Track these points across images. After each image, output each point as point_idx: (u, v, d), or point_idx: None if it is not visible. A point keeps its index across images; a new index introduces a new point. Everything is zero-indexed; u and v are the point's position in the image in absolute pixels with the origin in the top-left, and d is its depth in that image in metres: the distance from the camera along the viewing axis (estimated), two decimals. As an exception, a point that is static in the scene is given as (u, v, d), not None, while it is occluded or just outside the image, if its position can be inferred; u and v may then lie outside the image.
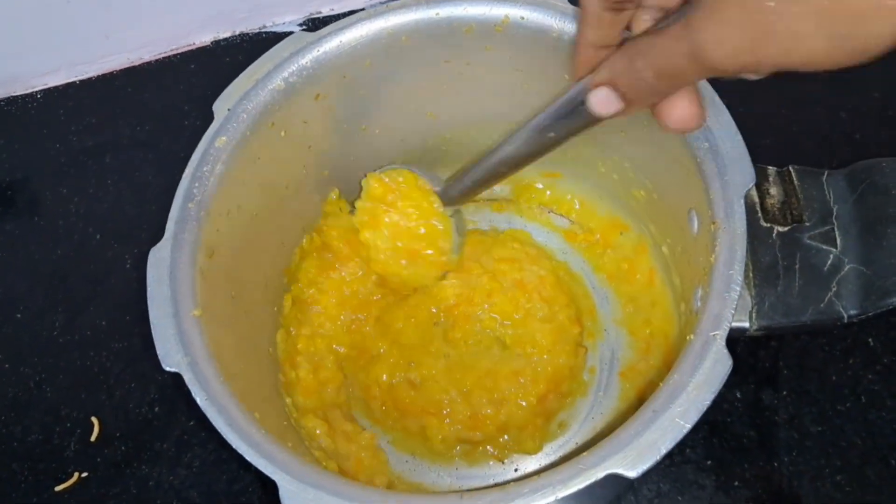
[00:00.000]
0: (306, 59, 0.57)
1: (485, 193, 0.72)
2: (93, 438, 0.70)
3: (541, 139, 0.49)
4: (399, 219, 0.63)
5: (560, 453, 0.63)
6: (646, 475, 0.61)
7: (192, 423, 0.69)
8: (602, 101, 0.40)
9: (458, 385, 0.62)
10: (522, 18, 0.56)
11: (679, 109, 0.40)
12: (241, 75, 0.57)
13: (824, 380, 0.63)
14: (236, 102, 0.56)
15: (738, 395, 0.63)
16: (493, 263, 0.66)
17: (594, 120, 0.43)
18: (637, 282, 0.65)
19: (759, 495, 0.60)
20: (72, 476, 0.68)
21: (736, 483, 0.61)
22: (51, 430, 0.71)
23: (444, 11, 0.57)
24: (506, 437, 0.63)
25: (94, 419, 0.71)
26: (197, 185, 0.54)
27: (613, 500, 0.61)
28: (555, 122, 0.47)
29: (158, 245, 0.52)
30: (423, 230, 0.63)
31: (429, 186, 0.64)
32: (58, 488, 0.68)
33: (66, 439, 0.70)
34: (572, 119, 0.45)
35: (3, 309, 0.77)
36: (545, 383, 0.61)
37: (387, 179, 0.64)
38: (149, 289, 0.50)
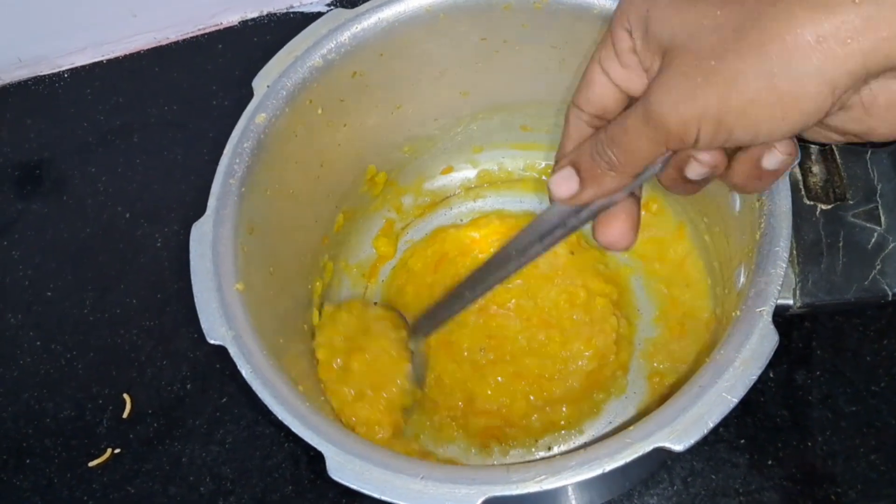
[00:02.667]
0: (344, 36, 0.57)
1: (518, 172, 0.73)
2: (125, 415, 0.70)
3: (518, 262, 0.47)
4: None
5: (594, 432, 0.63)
6: (679, 454, 0.61)
7: (224, 399, 0.70)
8: (559, 180, 0.39)
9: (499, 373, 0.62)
10: (562, -5, 0.55)
11: (614, 229, 0.41)
12: (280, 52, 0.57)
13: (859, 360, 0.63)
14: (275, 79, 0.56)
15: (771, 374, 0.63)
16: None
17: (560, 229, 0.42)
18: (671, 262, 0.65)
19: (792, 474, 0.60)
20: (105, 452, 0.69)
21: (770, 462, 0.61)
22: (83, 407, 0.71)
23: (483, -12, 0.57)
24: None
25: (125, 396, 0.71)
26: (237, 161, 0.54)
27: (647, 478, 0.62)
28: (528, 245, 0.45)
29: (201, 220, 0.52)
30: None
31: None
32: (91, 464, 0.69)
33: (99, 416, 0.71)
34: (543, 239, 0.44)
35: (33, 287, 0.78)
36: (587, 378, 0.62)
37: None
38: (192, 263, 0.51)
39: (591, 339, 0.62)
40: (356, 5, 0.59)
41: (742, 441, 0.62)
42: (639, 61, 0.37)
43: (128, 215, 0.80)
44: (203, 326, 0.49)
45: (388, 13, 0.57)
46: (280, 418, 0.45)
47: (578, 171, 0.39)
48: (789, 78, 0.30)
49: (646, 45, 0.36)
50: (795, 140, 0.35)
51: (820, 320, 0.65)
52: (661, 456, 0.57)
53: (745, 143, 0.33)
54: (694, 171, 0.36)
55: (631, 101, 0.39)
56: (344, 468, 0.43)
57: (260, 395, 0.46)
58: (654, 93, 0.34)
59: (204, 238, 0.51)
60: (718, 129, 0.32)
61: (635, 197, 0.42)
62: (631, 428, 0.43)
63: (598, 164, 0.38)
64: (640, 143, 0.35)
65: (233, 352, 0.48)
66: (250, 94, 0.57)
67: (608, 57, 0.39)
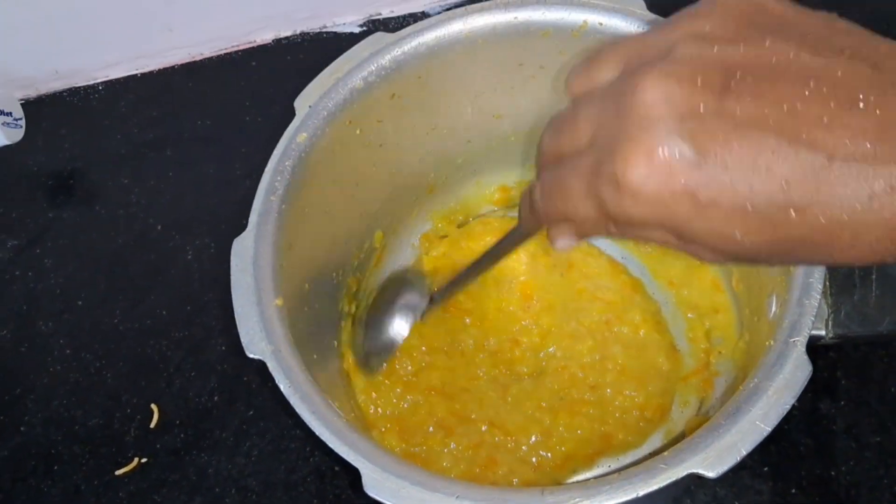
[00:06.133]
0: (385, 59, 0.59)
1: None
2: (152, 425, 0.71)
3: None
4: None
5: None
6: (709, 480, 0.61)
7: (251, 412, 0.70)
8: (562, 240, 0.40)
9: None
10: (601, 24, 0.57)
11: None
12: (322, 73, 0.58)
13: (884, 391, 0.64)
14: (317, 100, 0.57)
15: (796, 403, 0.63)
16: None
17: None
18: (699, 289, 0.66)
19: (815, 502, 0.61)
20: (132, 461, 0.70)
21: (793, 490, 0.61)
22: (111, 416, 0.72)
23: (523, 15, 0.58)
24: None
25: (153, 406, 0.72)
26: (278, 178, 0.55)
27: (670, 503, 0.62)
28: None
29: (242, 235, 0.53)
30: None
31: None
32: (118, 472, 0.69)
33: (126, 425, 0.72)
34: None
35: (64, 295, 0.79)
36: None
37: None
38: (233, 277, 0.51)
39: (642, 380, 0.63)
40: (389, 27, 0.60)
41: (765, 468, 0.62)
42: None
43: (159, 227, 0.81)
44: (243, 340, 0.49)
45: (428, 37, 0.59)
46: (318, 434, 0.46)
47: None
48: None
49: None
50: None
51: (845, 350, 0.65)
52: (687, 482, 0.57)
53: None
54: None
55: None
56: (380, 485, 0.44)
57: (298, 411, 0.47)
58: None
59: (245, 253, 0.52)
60: None
61: None
62: (665, 453, 0.43)
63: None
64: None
65: (272, 366, 0.48)
66: (283, 111, 0.58)
67: None
